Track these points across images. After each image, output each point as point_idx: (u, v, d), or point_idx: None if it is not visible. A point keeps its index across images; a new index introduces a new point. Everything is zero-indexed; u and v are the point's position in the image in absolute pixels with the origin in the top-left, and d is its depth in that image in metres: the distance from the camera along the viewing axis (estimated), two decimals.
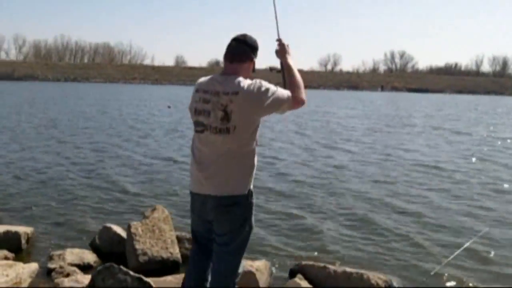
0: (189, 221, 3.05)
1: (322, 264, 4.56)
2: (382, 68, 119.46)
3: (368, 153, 12.39)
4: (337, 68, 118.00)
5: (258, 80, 2.65)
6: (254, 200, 2.82)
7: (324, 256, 5.18)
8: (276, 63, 2.94)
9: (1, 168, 9.16)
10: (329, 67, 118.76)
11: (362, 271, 4.44)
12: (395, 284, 4.39)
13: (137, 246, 4.59)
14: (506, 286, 4.64)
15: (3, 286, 3.60)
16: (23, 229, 5.14)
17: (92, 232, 5.45)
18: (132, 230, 4.70)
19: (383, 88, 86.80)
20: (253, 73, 2.80)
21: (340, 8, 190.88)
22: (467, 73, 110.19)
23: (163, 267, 4.53)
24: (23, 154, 10.83)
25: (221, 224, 2.75)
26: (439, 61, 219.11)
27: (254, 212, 2.83)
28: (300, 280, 4.35)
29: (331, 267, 4.50)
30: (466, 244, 4.47)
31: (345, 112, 29.09)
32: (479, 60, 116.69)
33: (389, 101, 47.46)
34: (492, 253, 5.34)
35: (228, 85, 2.63)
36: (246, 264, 4.30)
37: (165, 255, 4.62)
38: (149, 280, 3.72)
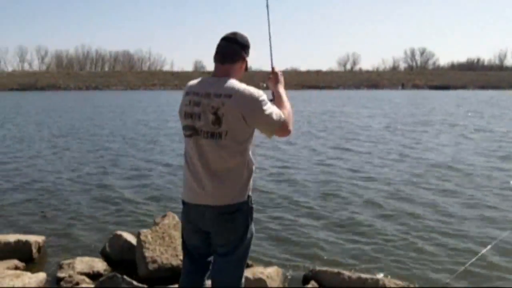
0: None
1: (336, 270, 4.41)
2: (402, 66, 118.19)
3: (384, 155, 11.98)
4: (357, 67, 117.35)
5: (255, 89, 2.50)
6: (254, 206, 2.69)
7: (337, 262, 5.02)
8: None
9: (13, 176, 9.23)
10: (348, 66, 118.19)
11: (378, 276, 4.28)
12: None
13: (146, 254, 4.52)
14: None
15: None
16: (34, 238, 5.10)
17: (103, 239, 5.39)
18: (142, 237, 4.63)
19: (403, 86, 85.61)
20: (246, 72, 2.67)
21: (358, 7, 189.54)
22: (490, 67, 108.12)
23: (173, 274, 4.41)
24: (34, 162, 10.93)
25: (222, 234, 2.62)
26: (461, 57, 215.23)
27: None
28: (313, 286, 4.23)
29: (346, 272, 4.35)
30: (483, 251, 4.25)
31: (363, 111, 28.66)
32: (503, 54, 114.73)
33: (409, 99, 46.72)
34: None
35: (220, 87, 2.48)
36: (256, 271, 4.20)
37: (175, 262, 4.52)
38: None
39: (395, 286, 4.12)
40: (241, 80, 2.58)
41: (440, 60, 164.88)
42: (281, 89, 2.78)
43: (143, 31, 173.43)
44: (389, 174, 9.48)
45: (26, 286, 3.76)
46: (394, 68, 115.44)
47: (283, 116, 2.56)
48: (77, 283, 4.26)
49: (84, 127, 19.13)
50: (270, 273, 4.22)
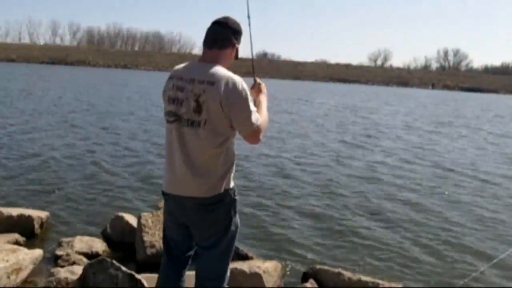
0: None
1: (336, 270, 4.29)
2: (434, 65, 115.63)
3: (395, 154, 11.60)
4: (387, 64, 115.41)
5: (241, 80, 2.38)
6: (238, 198, 2.58)
7: (339, 261, 4.90)
8: None
9: (22, 152, 9.09)
10: (379, 62, 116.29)
11: (378, 280, 4.14)
12: None
13: (145, 238, 4.47)
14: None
15: (1, 272, 3.53)
16: (38, 213, 5.10)
17: (106, 220, 5.36)
18: (142, 221, 4.58)
19: (434, 86, 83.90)
20: (236, 61, 2.54)
21: (392, 2, 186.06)
22: None
23: None
24: (46, 140, 10.56)
25: (203, 227, 2.52)
26: (495, 60, 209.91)
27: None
28: (312, 286, 4.11)
29: (346, 273, 4.22)
30: (495, 260, 4.07)
31: (386, 108, 28.04)
32: None
33: (438, 99, 45.69)
34: None
35: (205, 73, 2.36)
36: (253, 265, 4.10)
37: None
38: (144, 276, 3.55)
39: None
40: (229, 68, 2.45)
41: (473, 62, 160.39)
42: (263, 98, 2.70)
43: (175, 13, 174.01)
44: (397, 175, 9.14)
45: (20, 262, 3.73)
46: (426, 67, 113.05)
47: (260, 122, 2.43)
48: (74, 263, 4.24)
49: (102, 105, 18.87)
50: (268, 267, 4.10)
